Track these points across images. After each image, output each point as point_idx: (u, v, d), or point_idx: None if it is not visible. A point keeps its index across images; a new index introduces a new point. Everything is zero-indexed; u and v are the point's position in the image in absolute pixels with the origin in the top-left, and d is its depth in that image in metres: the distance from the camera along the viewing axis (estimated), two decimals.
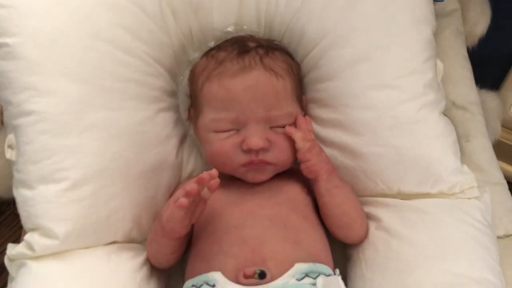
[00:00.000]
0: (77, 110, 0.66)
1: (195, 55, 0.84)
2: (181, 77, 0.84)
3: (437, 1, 0.77)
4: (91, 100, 0.67)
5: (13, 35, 0.64)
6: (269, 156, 0.70)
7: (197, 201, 0.63)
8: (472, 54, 0.86)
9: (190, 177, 0.81)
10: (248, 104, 0.69)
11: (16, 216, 0.72)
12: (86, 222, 0.65)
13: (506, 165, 1.12)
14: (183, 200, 0.60)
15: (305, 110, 0.79)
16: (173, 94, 0.81)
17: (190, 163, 0.81)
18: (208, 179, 0.61)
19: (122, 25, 0.70)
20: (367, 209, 0.74)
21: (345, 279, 0.68)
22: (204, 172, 0.61)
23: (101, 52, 0.68)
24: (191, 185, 0.60)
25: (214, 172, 0.62)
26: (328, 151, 0.76)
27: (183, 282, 0.68)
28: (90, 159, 0.66)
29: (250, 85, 0.69)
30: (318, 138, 0.77)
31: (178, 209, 0.61)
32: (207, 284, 0.61)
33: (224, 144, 0.70)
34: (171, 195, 0.77)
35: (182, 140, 0.81)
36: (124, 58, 0.70)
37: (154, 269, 0.71)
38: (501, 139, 1.08)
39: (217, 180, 0.62)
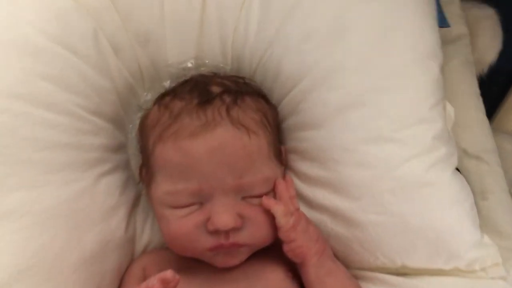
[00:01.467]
0: None
1: (148, 97, 0.68)
2: (131, 125, 0.68)
3: (442, 26, 0.62)
4: (3, 180, 0.50)
5: None
6: (242, 237, 0.55)
7: None
8: None
9: (145, 251, 0.65)
10: (213, 171, 0.54)
11: None
12: None
13: None
14: None
15: (285, 164, 0.64)
16: (120, 148, 0.65)
17: (145, 232, 0.66)
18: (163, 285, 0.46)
19: (44, 74, 0.54)
20: (365, 286, 0.60)
21: None
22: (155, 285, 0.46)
23: (14, 113, 0.51)
24: None
25: (169, 275, 0.47)
26: (315, 215, 0.62)
27: None
28: (6, 259, 0.49)
29: (215, 147, 0.54)
30: (302, 198, 0.63)
31: None
32: None
33: (184, 224, 0.55)
34: (121, 280, 0.61)
35: (134, 203, 0.65)
36: (48, 118, 0.54)
37: None
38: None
39: (177, 279, 0.47)
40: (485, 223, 0.61)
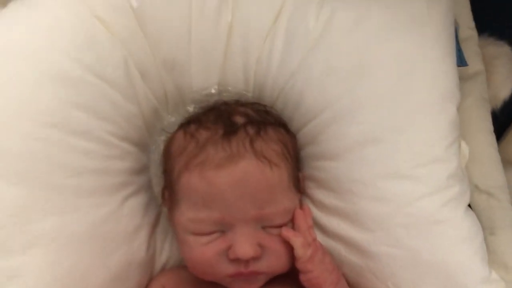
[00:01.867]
0: (18, 221, 0.52)
1: (171, 119, 0.70)
2: (153, 147, 0.70)
3: (461, 65, 0.64)
4: (35, 205, 0.53)
5: None
6: (261, 265, 0.58)
7: None
8: None
9: (163, 269, 0.68)
10: (236, 202, 0.56)
11: None
12: None
13: None
14: None
15: (302, 191, 0.66)
16: (143, 169, 0.67)
17: (164, 251, 0.68)
18: None
19: (77, 102, 0.56)
20: None
21: None
22: None
23: (47, 141, 0.54)
24: None
25: None
26: (330, 243, 0.64)
27: None
28: (36, 281, 0.52)
29: (239, 179, 0.56)
30: (318, 225, 0.65)
31: None
32: None
33: (206, 251, 0.57)
34: None
35: (155, 223, 0.67)
36: (79, 145, 0.56)
37: None
38: None
39: None
40: (492, 257, 0.63)
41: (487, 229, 0.65)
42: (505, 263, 0.64)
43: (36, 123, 0.53)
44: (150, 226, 0.66)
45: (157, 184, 0.69)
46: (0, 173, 0.52)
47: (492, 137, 0.68)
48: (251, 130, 0.60)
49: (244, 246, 0.56)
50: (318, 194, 0.66)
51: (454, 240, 0.59)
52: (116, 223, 0.60)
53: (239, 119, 0.61)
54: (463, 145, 0.62)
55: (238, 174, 0.56)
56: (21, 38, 0.56)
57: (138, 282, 0.63)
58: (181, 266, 0.68)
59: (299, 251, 0.58)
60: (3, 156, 0.52)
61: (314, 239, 0.61)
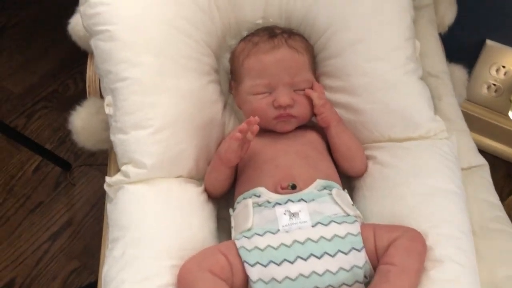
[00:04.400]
0: (157, 77, 0.92)
1: (232, 42, 1.09)
2: (222, 58, 1.10)
3: None
4: (166, 70, 0.93)
5: (112, 24, 0.90)
6: (293, 111, 0.95)
7: (244, 141, 0.88)
8: (446, 40, 1.13)
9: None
10: (278, 73, 0.95)
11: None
12: (164, 158, 0.90)
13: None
14: (238, 134, 0.85)
15: (318, 82, 1.04)
16: (217, 71, 1.07)
17: (230, 124, 1.06)
18: (253, 122, 0.86)
19: (184, 16, 0.96)
20: (367, 152, 0.99)
21: None
22: (251, 116, 0.86)
23: (171, 35, 0.94)
24: (242, 125, 0.85)
25: (256, 118, 0.87)
26: (336, 110, 1.01)
27: (227, 209, 0.93)
28: (166, 112, 0.91)
29: (279, 59, 0.95)
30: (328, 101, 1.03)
31: (234, 141, 0.86)
32: (255, 195, 0.86)
33: (261, 103, 0.96)
34: (217, 147, 1.02)
35: (224, 106, 1.06)
36: (186, 41, 0.96)
37: (209, 197, 0.96)
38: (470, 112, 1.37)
39: (257, 127, 0.88)
40: (439, 114, 0.99)
41: (436, 97, 1.02)
42: (449, 117, 1.01)
43: (164, 24, 0.93)
44: (222, 104, 1.04)
45: (224, 85, 1.09)
46: (149, 50, 0.91)
47: (438, 42, 1.06)
48: (285, 35, 0.99)
49: (283, 97, 0.94)
50: (328, 82, 1.04)
51: (410, 94, 0.96)
52: (205, 93, 0.99)
53: (278, 30, 1.00)
54: (416, 42, 1.00)
55: (278, 56, 0.95)
56: None
57: (217, 136, 1.01)
58: None
59: (316, 100, 0.96)
60: (150, 41, 0.92)
61: (325, 99, 0.99)
